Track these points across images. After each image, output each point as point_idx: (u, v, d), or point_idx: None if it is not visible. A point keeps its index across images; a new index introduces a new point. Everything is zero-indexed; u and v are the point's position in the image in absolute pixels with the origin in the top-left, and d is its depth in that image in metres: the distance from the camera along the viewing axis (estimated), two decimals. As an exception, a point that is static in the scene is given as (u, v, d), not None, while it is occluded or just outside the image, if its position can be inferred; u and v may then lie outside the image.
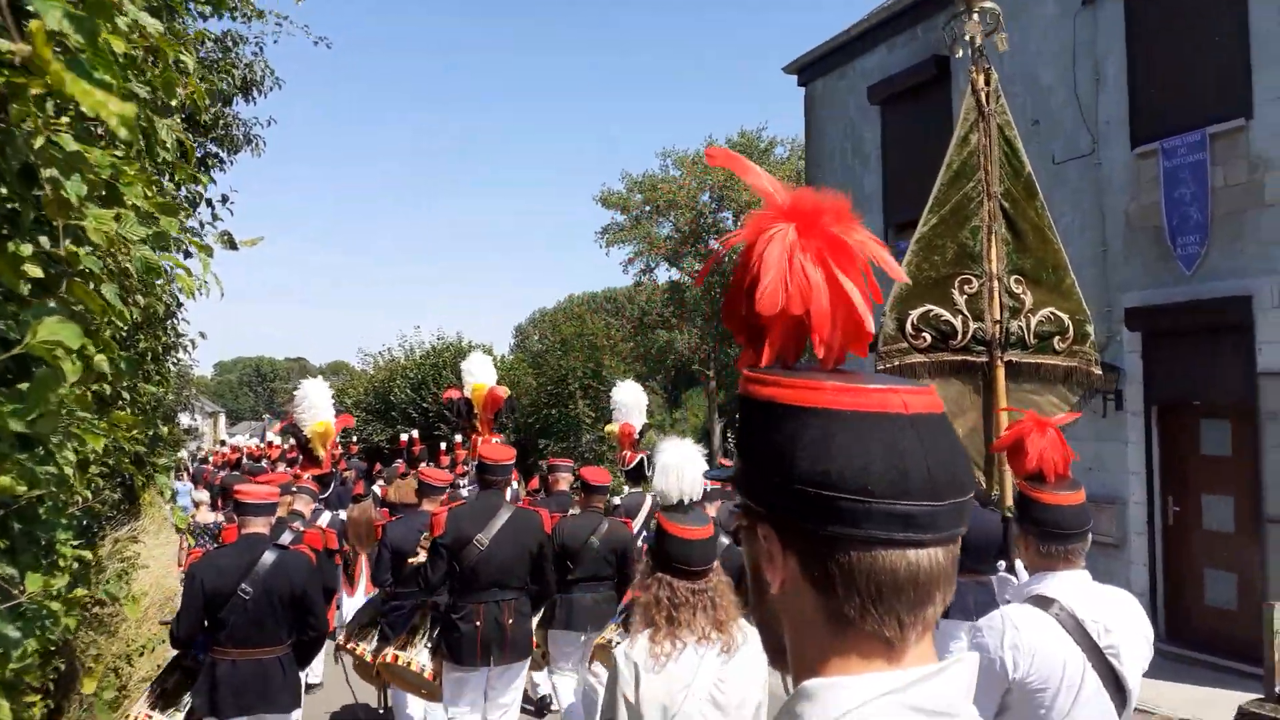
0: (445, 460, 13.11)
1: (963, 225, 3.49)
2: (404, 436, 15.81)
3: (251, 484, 4.30)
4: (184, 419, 16.10)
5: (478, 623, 4.59)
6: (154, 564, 9.42)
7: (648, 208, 27.63)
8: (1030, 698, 2.21)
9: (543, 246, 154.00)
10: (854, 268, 0.86)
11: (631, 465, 7.50)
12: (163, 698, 4.17)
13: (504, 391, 9.27)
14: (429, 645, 4.83)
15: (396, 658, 4.84)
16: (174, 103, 2.57)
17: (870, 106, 11.82)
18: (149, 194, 2.20)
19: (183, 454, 17.59)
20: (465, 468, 9.42)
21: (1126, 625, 2.27)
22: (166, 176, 3.07)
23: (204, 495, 10.23)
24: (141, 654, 6.05)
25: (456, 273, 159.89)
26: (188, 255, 3.18)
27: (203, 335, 6.61)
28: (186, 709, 4.12)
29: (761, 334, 0.87)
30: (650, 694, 2.46)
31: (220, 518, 9.81)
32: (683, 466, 3.05)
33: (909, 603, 0.76)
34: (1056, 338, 3.45)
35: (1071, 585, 2.28)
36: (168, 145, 2.54)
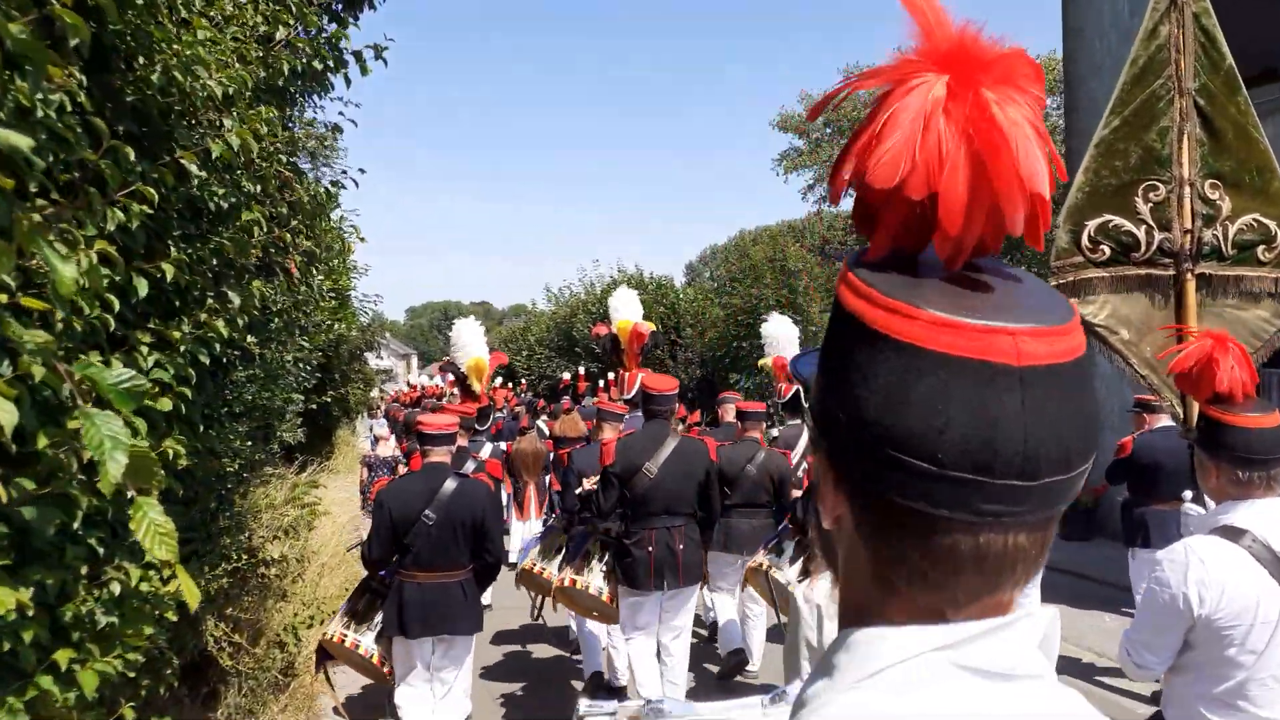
0: (603, 395, 13.58)
1: (1149, 127, 3.17)
2: (565, 375, 16.50)
3: (432, 415, 4.49)
4: (375, 360, 17.54)
5: (650, 548, 4.79)
6: (336, 506, 9.73)
7: (829, 129, 26.49)
8: (1219, 636, 2.08)
9: (712, 183, 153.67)
10: (1004, 151, 0.65)
11: (787, 397, 7.49)
12: (354, 617, 4.46)
13: (648, 327, 9.42)
14: (604, 569, 5.02)
15: (574, 581, 5.02)
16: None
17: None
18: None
19: (374, 393, 19.16)
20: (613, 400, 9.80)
21: None
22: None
23: (383, 429, 10.74)
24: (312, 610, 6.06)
25: (626, 216, 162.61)
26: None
27: (361, 237, 7.48)
28: (378, 628, 4.40)
29: (872, 215, 0.70)
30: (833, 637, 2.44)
31: (398, 452, 10.42)
32: None
33: (969, 584, 0.64)
34: (1261, 246, 3.10)
35: (1267, 514, 2.10)
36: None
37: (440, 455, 4.36)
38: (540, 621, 6.30)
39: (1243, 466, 2.12)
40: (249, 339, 3.27)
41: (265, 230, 3.12)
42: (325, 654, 4.54)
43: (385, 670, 4.42)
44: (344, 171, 3.97)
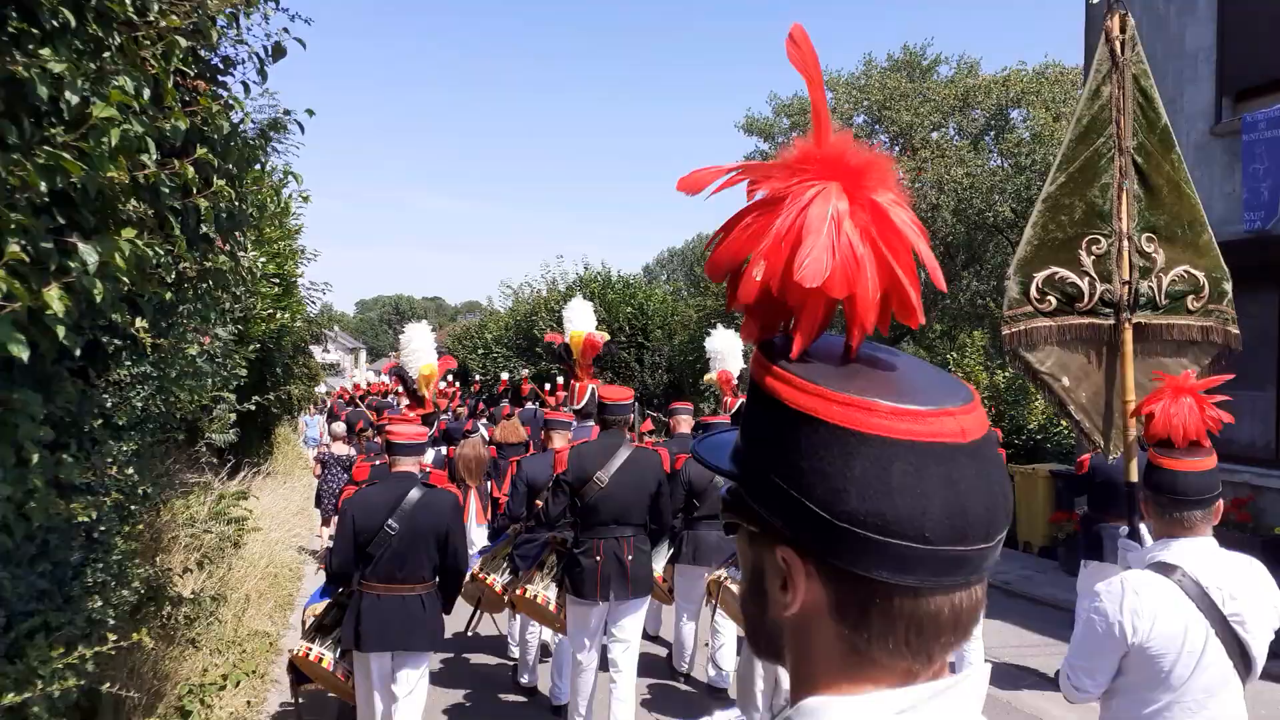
0: (552, 400, 13.57)
1: (1092, 183, 3.40)
2: (504, 376, 16.47)
3: (403, 425, 4.46)
4: (321, 354, 16.79)
5: (598, 558, 4.79)
6: (270, 517, 9.05)
7: (796, 133, 26.63)
8: (1149, 662, 2.27)
9: (671, 185, 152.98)
10: (903, 251, 0.74)
11: (734, 410, 7.62)
12: (319, 631, 4.38)
13: (602, 337, 9.47)
14: (555, 579, 5.04)
15: (524, 590, 5.08)
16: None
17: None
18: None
19: (320, 388, 18.57)
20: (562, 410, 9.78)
21: (1253, 593, 2.28)
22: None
23: (341, 429, 10.72)
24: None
25: (583, 216, 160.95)
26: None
27: (305, 195, 5.53)
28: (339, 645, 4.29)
29: (779, 309, 0.75)
30: None
31: (352, 450, 10.32)
32: None
33: (947, 641, 0.71)
34: (1190, 296, 3.36)
35: (1195, 552, 2.30)
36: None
37: (408, 465, 4.32)
38: (473, 635, 6.34)
39: (1173, 507, 2.34)
40: (135, 323, 2.67)
41: (151, 153, 2.21)
42: (298, 673, 4.41)
43: (349, 685, 4.35)
44: (286, 111, 3.24)
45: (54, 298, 1.85)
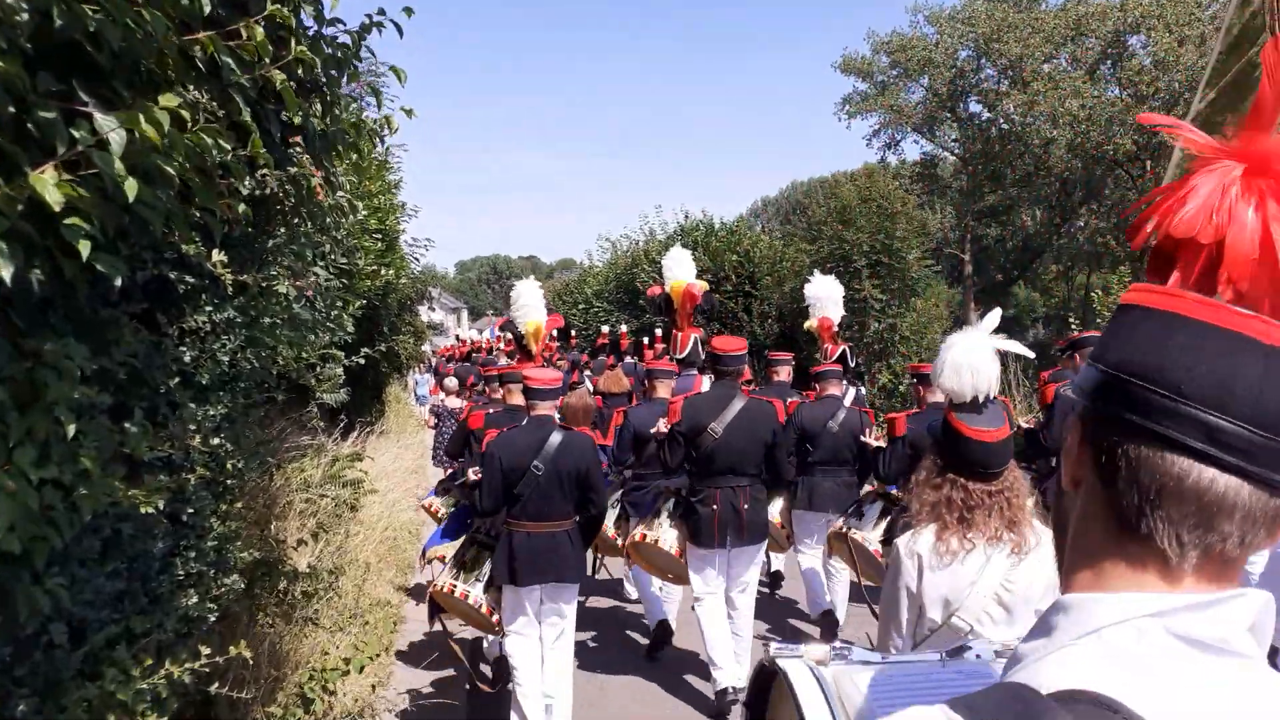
0: (650, 352, 13.21)
1: (1247, 98, 2.52)
2: (604, 329, 16.21)
3: (540, 370, 4.57)
4: (426, 313, 16.60)
5: (715, 506, 4.88)
6: (387, 478, 8.80)
7: (895, 71, 25.23)
8: None
9: (762, 132, 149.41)
10: None
11: (834, 357, 7.58)
12: (462, 567, 4.55)
13: (701, 287, 9.25)
14: (673, 525, 5.13)
15: (644, 536, 5.16)
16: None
17: None
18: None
19: (425, 347, 18.67)
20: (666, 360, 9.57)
21: None
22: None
23: (454, 383, 11.02)
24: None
25: (673, 169, 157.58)
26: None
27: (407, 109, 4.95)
28: (486, 578, 4.49)
29: (1169, 259, 0.82)
30: (933, 589, 2.47)
31: (464, 403, 10.36)
32: (977, 362, 2.63)
33: (1190, 520, 0.72)
34: None
35: None
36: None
37: (546, 409, 4.46)
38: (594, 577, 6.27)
39: None
40: (211, 256, 2.22)
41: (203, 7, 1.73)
42: (436, 606, 4.60)
43: (494, 620, 4.50)
44: (381, 11, 2.34)
45: (47, 184, 1.29)
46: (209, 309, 2.54)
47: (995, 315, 2.74)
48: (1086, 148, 19.06)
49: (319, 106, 2.42)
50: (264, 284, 2.68)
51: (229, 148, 1.81)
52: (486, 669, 5.39)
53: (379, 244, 8.60)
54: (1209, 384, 0.70)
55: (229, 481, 3.03)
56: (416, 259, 11.09)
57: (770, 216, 24.21)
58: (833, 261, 14.43)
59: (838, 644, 1.71)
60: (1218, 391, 0.70)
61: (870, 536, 5.08)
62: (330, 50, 2.35)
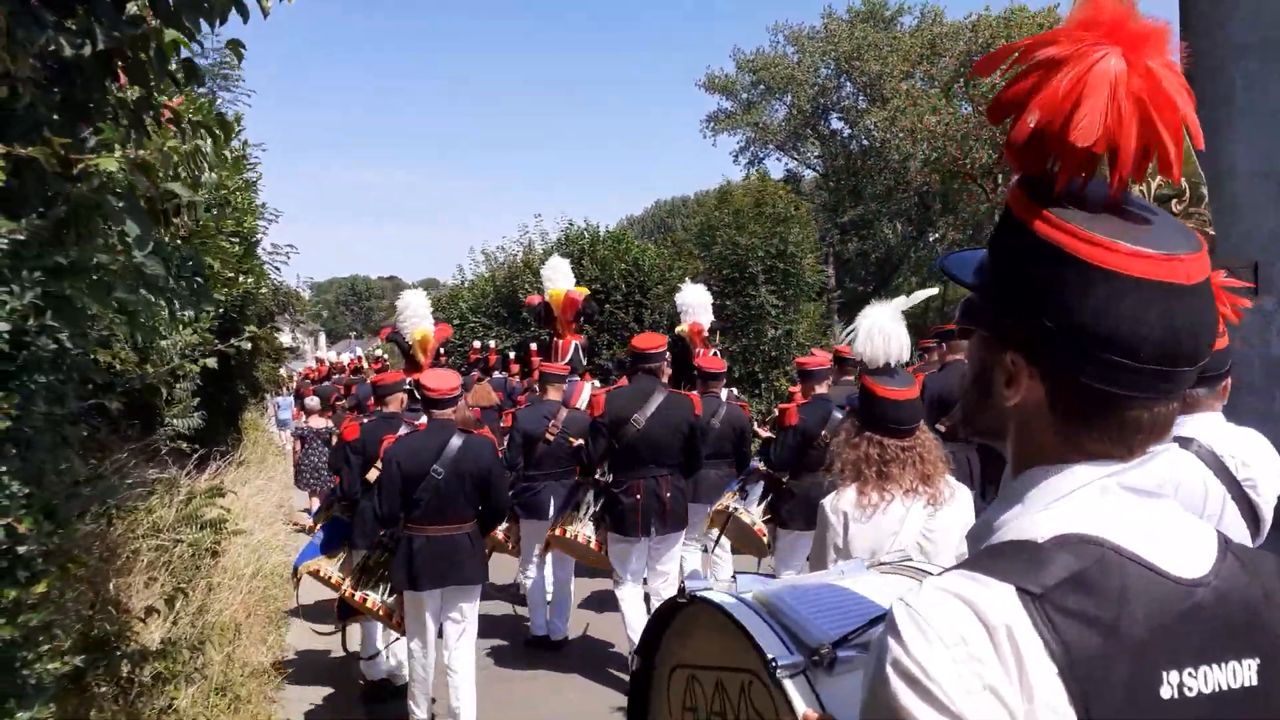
0: (515, 367, 13.50)
1: None
2: (475, 344, 15.94)
3: (435, 377, 4.64)
4: (287, 337, 15.43)
5: (638, 496, 5.02)
6: (253, 516, 7.91)
7: (759, 89, 25.85)
8: None
9: (623, 151, 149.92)
10: (1169, 112, 0.86)
11: (706, 358, 7.77)
12: (364, 574, 4.54)
13: (581, 293, 9.52)
14: (592, 519, 5.24)
15: (564, 531, 5.27)
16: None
17: None
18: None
19: (283, 370, 17.45)
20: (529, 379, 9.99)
21: (1261, 460, 2.41)
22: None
23: (316, 403, 10.71)
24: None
25: (539, 190, 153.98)
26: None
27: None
28: (389, 585, 4.48)
29: (1049, 157, 0.89)
30: (859, 540, 2.65)
31: (329, 423, 10.28)
32: (889, 330, 3.05)
33: (1144, 439, 0.89)
34: (1173, 200, 2.90)
35: (1208, 425, 2.42)
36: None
37: (446, 414, 4.52)
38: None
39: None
40: None
41: None
42: (346, 609, 4.61)
43: (394, 623, 4.54)
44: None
45: None
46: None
47: (922, 295, 3.10)
48: (944, 162, 19.86)
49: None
50: (86, 168, 1.73)
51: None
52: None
53: (235, 246, 7.73)
54: (1163, 345, 0.84)
55: (22, 543, 1.85)
56: (276, 269, 10.21)
57: (638, 235, 24.17)
58: (728, 268, 14.64)
59: (739, 575, 1.78)
60: (1169, 347, 0.84)
61: (754, 514, 5.46)
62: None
